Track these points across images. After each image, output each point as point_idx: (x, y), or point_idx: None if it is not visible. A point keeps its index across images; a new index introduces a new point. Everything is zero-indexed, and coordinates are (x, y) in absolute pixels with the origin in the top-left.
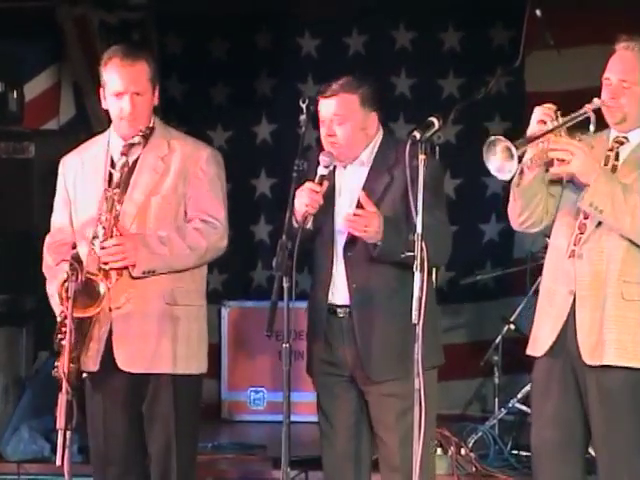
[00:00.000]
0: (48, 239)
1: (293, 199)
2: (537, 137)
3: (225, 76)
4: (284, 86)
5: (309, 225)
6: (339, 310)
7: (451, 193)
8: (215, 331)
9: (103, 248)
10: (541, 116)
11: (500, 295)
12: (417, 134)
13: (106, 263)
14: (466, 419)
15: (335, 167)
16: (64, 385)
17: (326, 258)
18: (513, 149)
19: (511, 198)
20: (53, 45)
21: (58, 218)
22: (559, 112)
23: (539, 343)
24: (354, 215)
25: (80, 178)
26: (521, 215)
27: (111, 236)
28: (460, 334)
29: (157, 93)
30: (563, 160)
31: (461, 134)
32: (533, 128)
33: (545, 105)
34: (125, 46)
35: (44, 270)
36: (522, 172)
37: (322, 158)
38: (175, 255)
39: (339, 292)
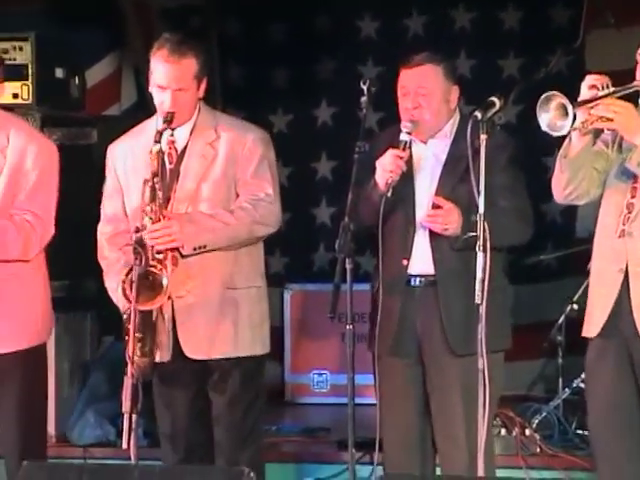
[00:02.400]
0: (103, 229)
1: (355, 181)
2: (588, 101)
3: (285, 59)
4: (344, 68)
5: (389, 193)
6: (417, 280)
7: None
8: (278, 314)
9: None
10: (592, 81)
11: (563, 275)
12: (478, 114)
13: (159, 252)
14: (530, 400)
15: (411, 142)
16: (129, 369)
17: (405, 231)
18: (569, 106)
19: (557, 170)
20: (114, 31)
21: (110, 206)
22: (610, 83)
23: (592, 324)
24: (432, 216)
25: (130, 165)
26: (566, 188)
27: (158, 221)
28: (523, 315)
29: (202, 87)
30: (609, 119)
31: (522, 114)
32: (584, 94)
33: (596, 75)
34: (175, 39)
35: (100, 261)
36: (570, 141)
37: (404, 124)
38: (224, 227)
39: (418, 262)
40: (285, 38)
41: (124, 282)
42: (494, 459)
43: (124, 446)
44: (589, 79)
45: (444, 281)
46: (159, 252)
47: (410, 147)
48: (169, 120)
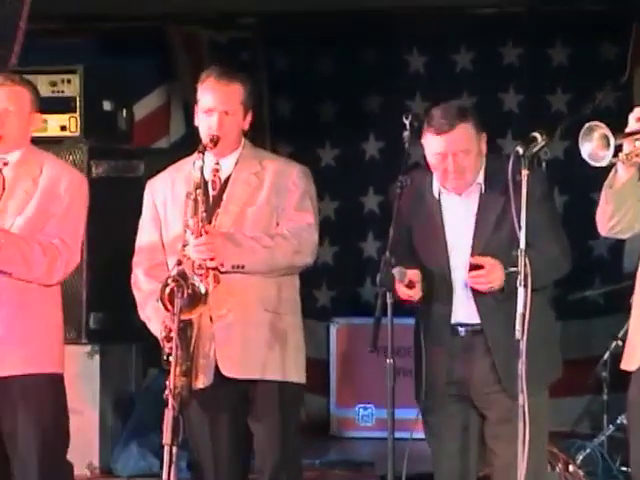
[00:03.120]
0: (138, 260)
1: (397, 215)
2: (633, 132)
3: (333, 93)
4: (392, 103)
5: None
6: (461, 329)
7: (559, 209)
8: (324, 347)
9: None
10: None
11: (609, 311)
12: (520, 149)
13: (200, 267)
14: (576, 436)
15: (440, 196)
16: (170, 401)
17: (444, 281)
18: (611, 137)
19: (602, 201)
20: (164, 64)
21: (147, 237)
22: None
23: (632, 356)
24: (474, 277)
25: (170, 198)
26: (611, 219)
27: (200, 236)
28: (570, 351)
29: (248, 117)
30: None
31: (569, 150)
32: (631, 125)
33: None
34: (223, 67)
35: (136, 292)
36: (616, 172)
37: (396, 273)
38: (264, 251)
39: (461, 311)
40: (333, 72)
41: (162, 292)
42: None
43: (164, 478)
44: (637, 111)
45: (491, 329)
46: (200, 267)
47: (439, 201)
48: (215, 142)
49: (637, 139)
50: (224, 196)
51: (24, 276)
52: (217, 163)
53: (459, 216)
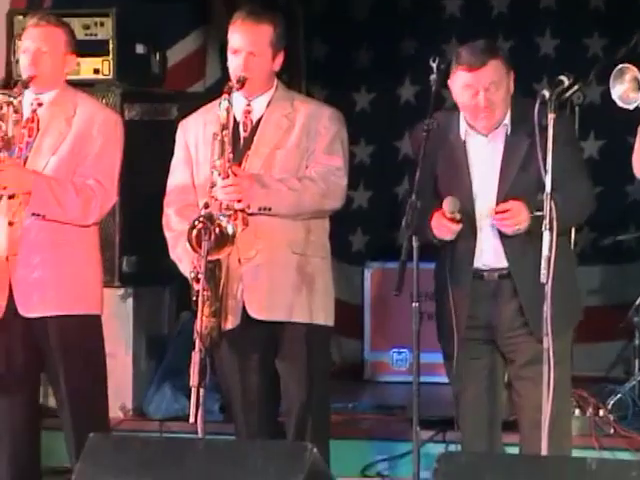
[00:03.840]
0: (170, 201)
1: (423, 158)
2: None
3: (369, 37)
4: (428, 47)
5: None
6: (486, 274)
7: (595, 154)
8: (358, 292)
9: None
10: None
11: None
12: (546, 92)
13: (227, 208)
14: (609, 381)
15: (466, 138)
16: (197, 343)
17: (467, 225)
18: None
19: (637, 144)
20: (199, 7)
21: (179, 178)
22: None
23: None
24: (500, 219)
25: (202, 139)
26: None
27: (227, 177)
28: (603, 296)
29: (278, 59)
30: None
31: (605, 94)
32: None
33: None
34: (253, 7)
35: (167, 233)
36: None
37: (445, 205)
38: (291, 193)
39: (486, 255)
40: (369, 16)
41: (190, 234)
42: (570, 439)
43: (191, 420)
44: None
45: (519, 273)
46: (228, 208)
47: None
48: (242, 82)
49: None
50: (255, 138)
51: (58, 217)
52: (248, 104)
53: (485, 158)
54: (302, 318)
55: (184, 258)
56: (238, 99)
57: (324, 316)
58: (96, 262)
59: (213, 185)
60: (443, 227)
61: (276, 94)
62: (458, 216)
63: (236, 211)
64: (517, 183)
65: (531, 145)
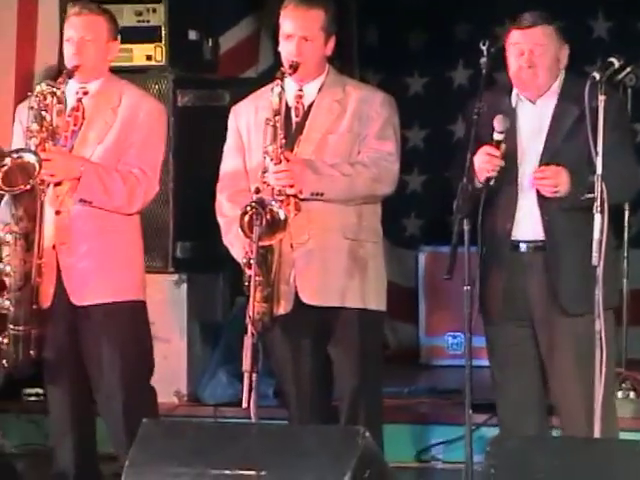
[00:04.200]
0: (223, 186)
1: (474, 142)
2: None
3: (420, 22)
4: (481, 30)
5: (492, 183)
6: (523, 245)
7: None
8: (413, 276)
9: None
10: None
11: None
12: (596, 74)
13: (280, 193)
14: None
15: (517, 104)
16: (249, 328)
17: (509, 194)
18: None
19: None
20: None
21: (231, 164)
22: None
23: None
24: (540, 178)
25: (254, 124)
26: None
27: (279, 163)
28: None
29: (330, 44)
30: None
31: None
32: None
33: None
34: None
35: (220, 219)
36: None
37: (496, 123)
38: (343, 178)
39: (524, 226)
40: (421, 0)
41: (242, 219)
42: (615, 421)
43: (244, 405)
44: None
45: (554, 247)
46: (280, 194)
47: (514, 110)
48: (294, 67)
49: None
50: (306, 123)
51: (105, 205)
52: (300, 89)
53: (533, 124)
54: (354, 303)
55: (236, 243)
56: (290, 84)
57: (376, 301)
58: (140, 249)
59: (265, 171)
60: (486, 157)
61: (328, 79)
62: (503, 146)
63: (288, 196)
64: (561, 152)
65: (579, 119)
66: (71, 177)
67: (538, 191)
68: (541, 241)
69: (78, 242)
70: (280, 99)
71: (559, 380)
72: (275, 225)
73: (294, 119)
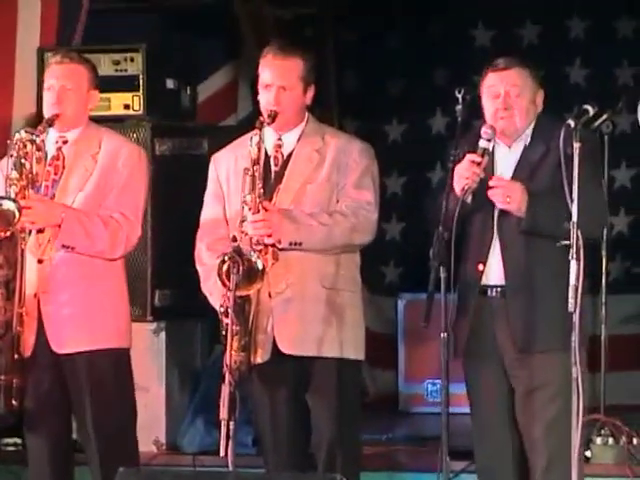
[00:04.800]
0: (202, 235)
1: (449, 190)
2: None
3: (400, 69)
4: (459, 78)
5: (469, 199)
6: (490, 290)
7: (627, 183)
8: (391, 323)
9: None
10: None
11: None
12: (571, 122)
13: (258, 243)
14: None
15: (494, 148)
16: (227, 377)
17: (483, 240)
18: None
19: None
20: (230, 42)
21: (210, 212)
22: None
23: None
24: (494, 187)
25: (233, 174)
26: None
27: (257, 212)
28: (637, 325)
29: (309, 92)
30: None
31: (636, 123)
32: None
33: None
34: (283, 42)
35: (198, 267)
36: None
37: (484, 130)
38: (322, 228)
39: (493, 272)
40: (399, 47)
41: (220, 268)
42: (582, 466)
43: (222, 454)
44: None
45: (514, 290)
46: (258, 243)
47: (491, 153)
48: (272, 117)
49: None
50: (285, 172)
51: (87, 250)
52: (279, 139)
53: (504, 167)
54: (332, 353)
55: (214, 292)
56: (269, 133)
57: (354, 351)
58: (124, 295)
59: (243, 220)
60: (467, 164)
61: (307, 128)
62: (487, 158)
63: (266, 246)
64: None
65: (545, 156)
66: (52, 224)
67: (503, 237)
68: (502, 286)
69: (60, 290)
70: (259, 149)
71: (523, 420)
72: (253, 275)
73: (273, 168)
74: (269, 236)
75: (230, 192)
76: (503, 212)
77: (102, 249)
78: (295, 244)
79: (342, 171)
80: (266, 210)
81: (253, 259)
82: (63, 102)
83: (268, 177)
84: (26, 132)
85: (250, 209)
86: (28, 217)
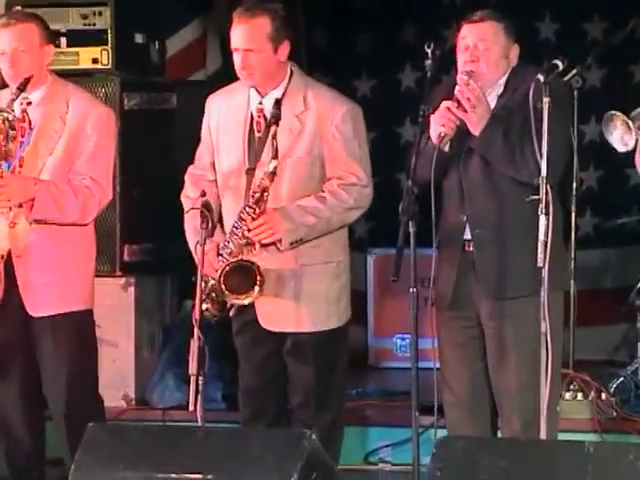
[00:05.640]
0: (193, 170)
1: (419, 144)
2: None
3: (369, 24)
4: (427, 33)
5: (446, 147)
6: (467, 244)
7: (596, 137)
8: (361, 279)
9: (250, 230)
10: None
11: None
12: (541, 77)
13: (253, 243)
14: (613, 365)
15: None
16: (196, 332)
17: (457, 193)
18: (630, 123)
19: (637, 155)
20: None
21: (201, 155)
22: None
23: None
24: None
25: (222, 123)
26: None
27: (256, 216)
28: (606, 279)
29: (283, 49)
30: None
31: (605, 77)
32: None
33: None
34: (250, 2)
35: (183, 199)
36: None
37: (460, 77)
38: (319, 221)
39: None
40: (368, 3)
41: (195, 250)
42: (556, 420)
43: (190, 408)
44: None
45: (480, 244)
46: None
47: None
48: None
49: None
50: (267, 142)
51: (58, 221)
52: (261, 103)
53: None
54: (311, 326)
55: (190, 231)
56: (253, 94)
57: (335, 320)
58: (92, 258)
59: (241, 219)
60: (443, 111)
61: (290, 86)
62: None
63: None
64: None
65: (519, 106)
66: (26, 199)
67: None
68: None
69: (34, 255)
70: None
71: (497, 377)
72: (250, 284)
73: (256, 134)
74: (273, 234)
75: (219, 143)
76: (468, 163)
77: (73, 219)
78: (297, 242)
79: (325, 141)
80: (265, 213)
81: (253, 269)
82: (17, 65)
83: (253, 142)
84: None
85: (250, 215)
86: (4, 195)
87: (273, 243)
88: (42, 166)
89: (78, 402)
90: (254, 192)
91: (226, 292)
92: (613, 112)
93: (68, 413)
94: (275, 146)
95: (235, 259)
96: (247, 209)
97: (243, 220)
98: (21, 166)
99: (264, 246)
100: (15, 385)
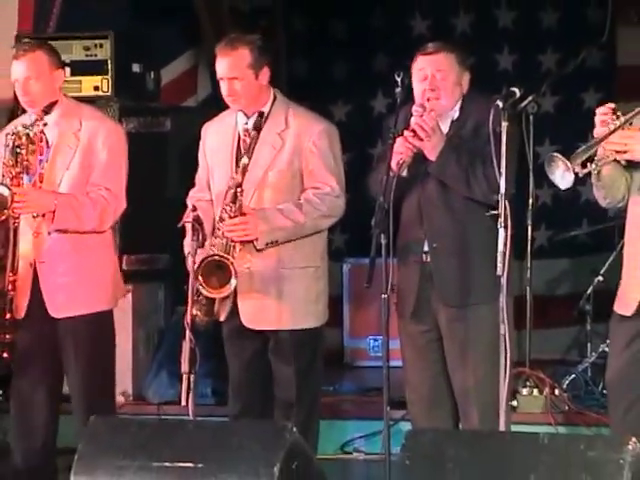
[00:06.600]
0: (191, 192)
1: (389, 163)
2: (600, 140)
3: (345, 54)
4: (398, 63)
5: (404, 173)
6: (425, 255)
7: None
8: (338, 285)
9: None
10: (601, 117)
11: (594, 250)
12: (500, 102)
13: (233, 241)
14: (566, 363)
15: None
16: (187, 334)
17: (418, 208)
18: (569, 164)
19: (594, 188)
20: (190, 31)
21: (199, 178)
22: (618, 112)
23: (627, 304)
24: (421, 116)
25: (215, 145)
26: (605, 199)
27: (233, 214)
28: (559, 286)
29: (263, 75)
30: (622, 151)
31: (559, 104)
32: (598, 130)
33: (603, 107)
34: (231, 36)
35: (188, 201)
36: (598, 172)
37: (415, 109)
38: (294, 225)
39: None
40: (346, 35)
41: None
42: (509, 414)
43: (183, 403)
44: (598, 115)
45: (438, 256)
46: (232, 241)
47: None
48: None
49: (604, 143)
50: (252, 158)
51: (78, 230)
52: (246, 123)
53: None
54: (291, 324)
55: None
56: (240, 115)
57: (314, 320)
58: (112, 262)
59: (222, 220)
60: (401, 142)
61: (274, 108)
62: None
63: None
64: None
65: (475, 131)
66: (46, 211)
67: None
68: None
69: (56, 261)
70: (242, 174)
71: (455, 375)
72: (228, 278)
73: (243, 152)
74: (247, 235)
75: (213, 165)
76: (425, 184)
77: (91, 227)
78: (272, 243)
79: (303, 156)
80: (244, 214)
81: (228, 264)
82: (30, 92)
83: (240, 160)
84: (23, 126)
85: (229, 214)
86: (24, 206)
87: (250, 241)
88: (60, 180)
89: (97, 398)
90: (229, 188)
91: (204, 286)
92: (554, 154)
93: (88, 408)
94: (251, 146)
95: (210, 254)
96: (226, 207)
97: (223, 220)
98: (41, 181)
99: (241, 243)
100: (42, 386)
